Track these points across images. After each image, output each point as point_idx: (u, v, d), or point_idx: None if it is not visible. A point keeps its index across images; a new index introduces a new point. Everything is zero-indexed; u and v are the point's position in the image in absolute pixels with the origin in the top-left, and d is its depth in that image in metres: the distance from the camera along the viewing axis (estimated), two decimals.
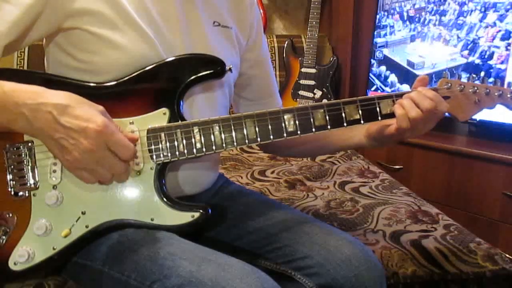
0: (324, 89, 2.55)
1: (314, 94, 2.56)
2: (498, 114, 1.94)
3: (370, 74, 2.47)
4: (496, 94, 0.90)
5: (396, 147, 2.19)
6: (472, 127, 2.15)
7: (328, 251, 0.84)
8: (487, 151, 1.91)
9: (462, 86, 0.90)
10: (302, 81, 2.56)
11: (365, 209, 1.38)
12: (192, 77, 0.85)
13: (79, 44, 0.83)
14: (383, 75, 2.42)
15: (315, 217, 1.25)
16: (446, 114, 0.90)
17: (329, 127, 0.86)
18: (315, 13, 2.55)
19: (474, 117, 2.19)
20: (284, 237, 0.89)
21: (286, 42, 2.64)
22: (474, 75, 0.91)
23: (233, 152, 2.06)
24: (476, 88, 0.90)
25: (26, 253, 0.79)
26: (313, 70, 2.57)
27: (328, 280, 0.82)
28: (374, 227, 1.25)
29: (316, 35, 2.55)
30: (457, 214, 1.91)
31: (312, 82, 2.56)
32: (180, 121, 0.84)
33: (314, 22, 2.55)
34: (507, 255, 1.12)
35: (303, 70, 2.57)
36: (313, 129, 0.86)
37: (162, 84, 0.85)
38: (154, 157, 0.82)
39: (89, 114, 0.73)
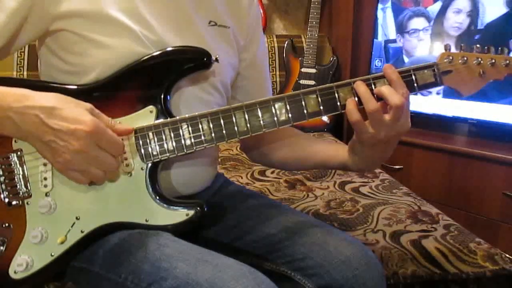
0: None
1: None
2: (498, 114, 1.94)
3: (370, 74, 2.46)
4: (502, 64, 0.80)
5: (396, 147, 2.18)
6: (472, 127, 2.15)
7: (328, 252, 0.84)
8: (487, 151, 1.91)
9: (465, 58, 0.81)
10: (302, 81, 2.56)
11: (365, 209, 1.38)
12: (176, 71, 0.84)
13: (68, 46, 0.83)
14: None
15: (315, 217, 1.25)
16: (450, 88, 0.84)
17: (322, 113, 0.82)
18: (315, 13, 2.55)
19: (474, 117, 2.19)
20: (283, 237, 0.89)
21: (286, 42, 2.64)
22: (478, 46, 0.82)
23: (233, 152, 2.06)
24: (480, 59, 0.81)
25: (25, 261, 0.78)
26: (313, 70, 2.57)
27: (328, 281, 0.82)
28: (374, 227, 1.25)
29: (316, 35, 2.55)
30: (457, 214, 1.91)
31: (312, 82, 2.56)
32: (168, 117, 0.82)
33: (314, 22, 2.55)
34: (507, 255, 1.12)
35: (303, 70, 2.57)
36: (306, 117, 0.82)
37: (146, 81, 0.83)
38: (144, 157, 0.82)
39: (77, 114, 0.72)
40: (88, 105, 0.75)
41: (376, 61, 2.39)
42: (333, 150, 0.96)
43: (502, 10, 1.72)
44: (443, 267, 1.07)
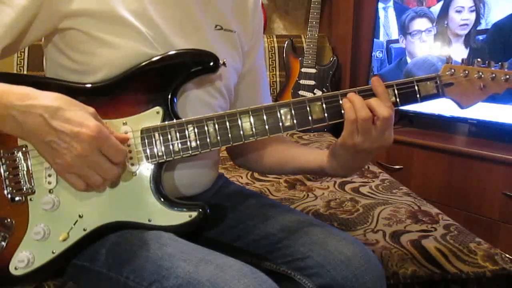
0: (324, 89, 2.55)
1: (314, 94, 2.56)
2: (498, 114, 1.94)
3: (370, 74, 2.47)
4: (502, 78, 0.83)
5: (396, 147, 2.19)
6: (472, 127, 2.15)
7: (328, 252, 0.84)
8: (487, 151, 1.91)
9: (467, 72, 0.84)
10: (302, 81, 2.57)
11: (365, 209, 1.38)
12: (184, 73, 0.84)
13: (75, 45, 0.83)
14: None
15: (315, 217, 1.25)
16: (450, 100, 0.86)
17: (327, 120, 0.83)
18: (315, 13, 2.55)
19: (474, 117, 2.19)
20: (284, 237, 0.89)
21: (286, 42, 2.64)
22: (478, 59, 0.84)
23: None
24: (481, 73, 0.83)
25: (26, 258, 0.78)
26: (313, 70, 2.57)
27: (328, 281, 0.82)
28: (374, 227, 1.25)
29: (316, 35, 2.55)
30: (457, 214, 1.91)
31: (312, 82, 2.56)
32: (174, 119, 0.83)
33: (314, 22, 2.55)
34: (507, 255, 1.12)
35: (303, 70, 2.57)
36: (311, 123, 0.83)
37: (154, 82, 0.83)
38: (149, 157, 0.82)
39: (81, 118, 0.71)
40: (92, 110, 0.75)
41: (378, 52, 2.36)
42: (312, 154, 0.97)
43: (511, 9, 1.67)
44: (443, 267, 1.07)
